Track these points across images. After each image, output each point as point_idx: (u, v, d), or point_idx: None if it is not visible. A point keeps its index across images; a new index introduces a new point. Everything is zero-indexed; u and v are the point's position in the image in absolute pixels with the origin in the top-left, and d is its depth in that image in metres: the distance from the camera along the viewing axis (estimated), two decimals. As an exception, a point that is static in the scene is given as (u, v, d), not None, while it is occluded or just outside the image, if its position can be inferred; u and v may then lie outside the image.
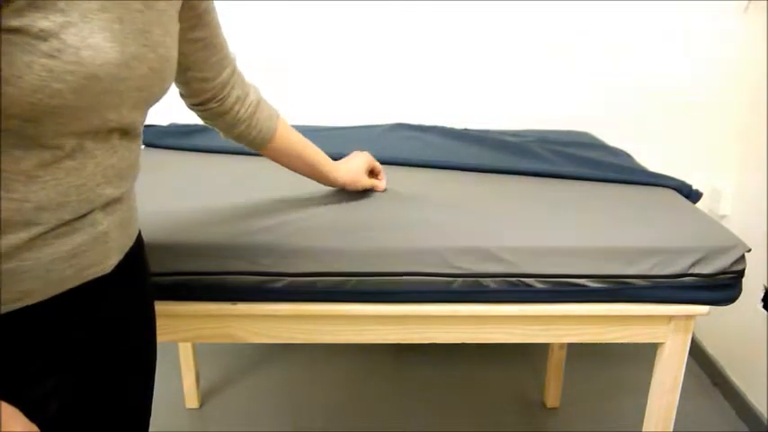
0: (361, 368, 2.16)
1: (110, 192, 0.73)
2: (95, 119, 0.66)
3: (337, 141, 1.63)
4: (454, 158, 1.50)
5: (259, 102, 1.04)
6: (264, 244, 1.07)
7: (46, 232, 0.67)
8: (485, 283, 1.08)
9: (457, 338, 1.14)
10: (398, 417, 1.91)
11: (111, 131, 0.71)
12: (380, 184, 1.29)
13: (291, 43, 2.00)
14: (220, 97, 0.98)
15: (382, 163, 1.50)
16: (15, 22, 0.57)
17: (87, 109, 0.64)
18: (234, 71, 0.99)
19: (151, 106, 0.77)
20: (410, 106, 2.05)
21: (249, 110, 1.02)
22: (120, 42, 0.65)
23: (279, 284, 1.07)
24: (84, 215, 0.71)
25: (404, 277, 1.07)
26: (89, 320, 0.78)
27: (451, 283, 1.08)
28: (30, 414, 0.68)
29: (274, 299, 1.09)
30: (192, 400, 1.95)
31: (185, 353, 1.90)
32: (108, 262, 0.76)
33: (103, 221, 0.74)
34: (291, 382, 2.08)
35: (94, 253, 0.73)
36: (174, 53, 0.77)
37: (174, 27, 0.78)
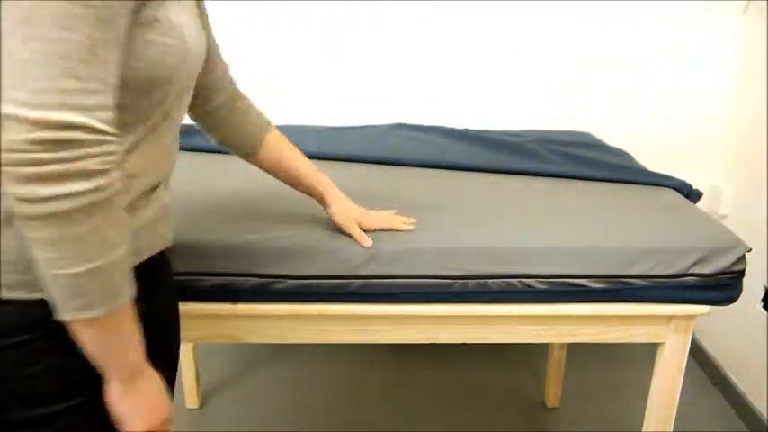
0: (361, 368, 2.16)
1: (169, 168, 0.82)
2: (174, 93, 0.74)
3: (337, 141, 1.63)
4: (454, 158, 1.50)
5: (248, 110, 1.04)
6: (265, 246, 1.07)
7: (134, 200, 0.73)
8: (485, 284, 1.08)
9: (457, 338, 1.14)
10: (398, 417, 1.91)
11: (175, 113, 0.78)
12: (365, 240, 1.08)
13: (292, 44, 2.00)
14: (206, 96, 0.99)
15: (382, 163, 1.50)
16: (155, 13, 0.65)
17: (178, 83, 0.72)
18: (223, 75, 1.00)
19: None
20: (410, 106, 2.05)
21: (235, 117, 1.02)
22: (195, 22, 0.75)
23: (280, 286, 1.07)
24: (154, 188, 0.78)
25: (404, 280, 1.07)
26: (144, 299, 0.82)
27: (452, 284, 1.08)
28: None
29: (275, 299, 1.09)
30: (192, 400, 1.95)
31: (185, 353, 1.90)
32: (169, 235, 0.84)
33: (165, 196, 0.81)
34: (291, 382, 2.08)
35: (163, 224, 0.81)
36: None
37: None
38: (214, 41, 0.98)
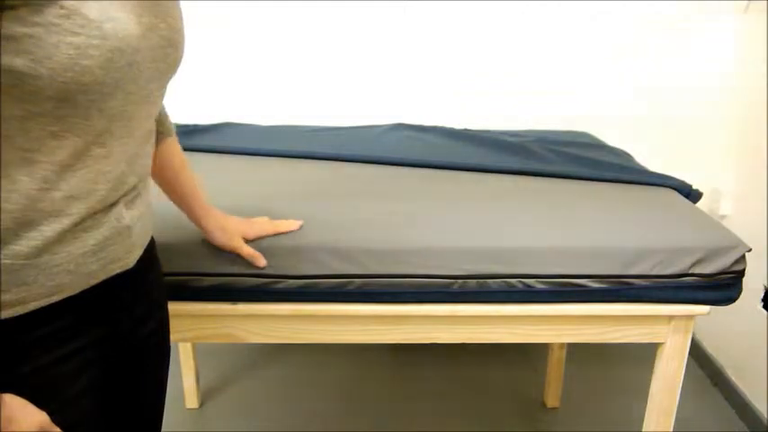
0: (360, 368, 2.16)
1: (132, 180, 0.75)
2: (119, 94, 0.67)
3: (337, 141, 1.63)
4: (454, 158, 1.50)
5: (160, 112, 0.95)
6: (265, 245, 1.07)
7: (76, 224, 0.68)
8: (485, 284, 1.08)
9: (457, 338, 1.14)
10: (398, 417, 1.91)
11: (136, 115, 0.71)
12: (259, 259, 1.05)
13: (292, 43, 2.00)
14: None
15: (382, 163, 1.50)
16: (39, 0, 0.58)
17: (113, 84, 0.65)
18: None
19: (168, 79, 0.77)
20: (410, 106, 2.05)
21: None
22: (136, 14, 0.66)
23: (280, 286, 1.07)
24: (110, 207, 0.72)
25: (404, 279, 1.07)
26: (113, 316, 0.80)
27: (452, 284, 1.08)
28: (65, 411, 0.70)
29: (275, 299, 1.09)
30: (192, 400, 1.95)
31: (185, 353, 1.90)
32: (131, 257, 0.78)
33: (126, 216, 0.75)
34: (291, 382, 2.08)
35: (119, 247, 0.75)
36: (182, 23, 0.78)
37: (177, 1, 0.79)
38: None
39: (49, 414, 0.67)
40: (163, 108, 0.97)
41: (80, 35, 0.60)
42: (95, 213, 0.70)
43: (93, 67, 0.61)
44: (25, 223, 0.65)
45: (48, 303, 0.69)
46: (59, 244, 0.67)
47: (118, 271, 0.76)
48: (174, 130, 0.99)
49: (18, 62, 0.58)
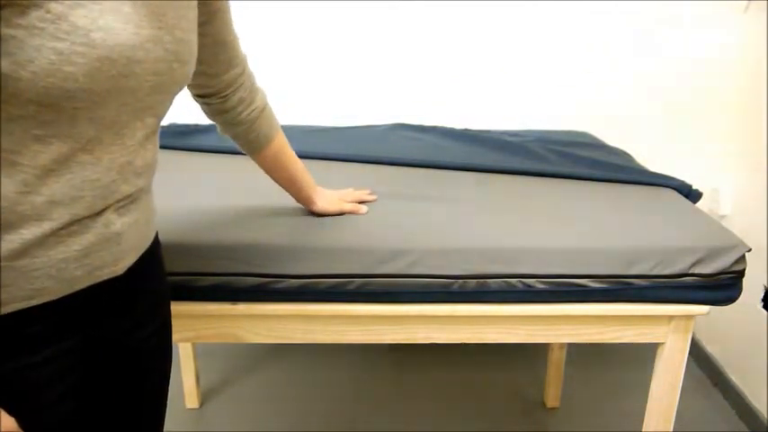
0: (360, 368, 2.16)
1: (125, 189, 0.73)
2: (112, 104, 0.66)
3: (337, 141, 1.63)
4: (455, 158, 1.50)
5: (264, 109, 1.05)
6: (265, 245, 1.07)
7: (59, 229, 0.67)
8: (485, 284, 1.08)
9: (457, 338, 1.14)
10: (398, 417, 1.91)
11: (129, 125, 0.70)
12: (361, 208, 1.20)
13: (292, 43, 2.00)
14: (224, 95, 0.99)
15: (382, 163, 1.50)
16: (25, 1, 0.57)
17: (103, 93, 0.64)
18: (242, 74, 1.00)
19: (173, 93, 0.76)
20: (410, 106, 2.05)
21: (252, 114, 1.02)
22: (135, 24, 0.65)
23: (280, 286, 1.07)
24: (98, 213, 0.71)
25: (404, 279, 1.07)
26: (102, 321, 0.78)
27: (452, 284, 1.08)
28: (41, 414, 0.69)
29: (275, 299, 1.09)
30: (192, 400, 1.95)
31: (185, 353, 1.90)
32: (120, 264, 0.76)
33: (117, 222, 0.73)
34: (291, 382, 2.08)
35: (106, 254, 0.73)
36: (192, 37, 0.76)
37: (192, 13, 0.77)
38: (230, 41, 0.95)
39: (22, 418, 0.65)
40: (266, 102, 1.05)
41: (64, 41, 0.59)
42: (82, 219, 0.69)
43: (77, 74, 0.60)
44: (4, 225, 0.63)
45: (27, 306, 0.67)
46: (40, 248, 0.66)
47: (105, 278, 0.74)
48: (279, 128, 1.09)
49: (1, 63, 0.58)
